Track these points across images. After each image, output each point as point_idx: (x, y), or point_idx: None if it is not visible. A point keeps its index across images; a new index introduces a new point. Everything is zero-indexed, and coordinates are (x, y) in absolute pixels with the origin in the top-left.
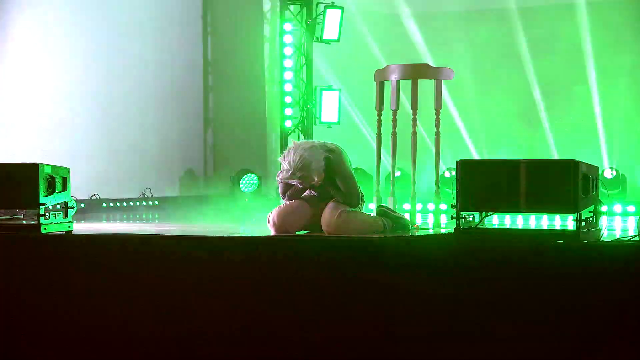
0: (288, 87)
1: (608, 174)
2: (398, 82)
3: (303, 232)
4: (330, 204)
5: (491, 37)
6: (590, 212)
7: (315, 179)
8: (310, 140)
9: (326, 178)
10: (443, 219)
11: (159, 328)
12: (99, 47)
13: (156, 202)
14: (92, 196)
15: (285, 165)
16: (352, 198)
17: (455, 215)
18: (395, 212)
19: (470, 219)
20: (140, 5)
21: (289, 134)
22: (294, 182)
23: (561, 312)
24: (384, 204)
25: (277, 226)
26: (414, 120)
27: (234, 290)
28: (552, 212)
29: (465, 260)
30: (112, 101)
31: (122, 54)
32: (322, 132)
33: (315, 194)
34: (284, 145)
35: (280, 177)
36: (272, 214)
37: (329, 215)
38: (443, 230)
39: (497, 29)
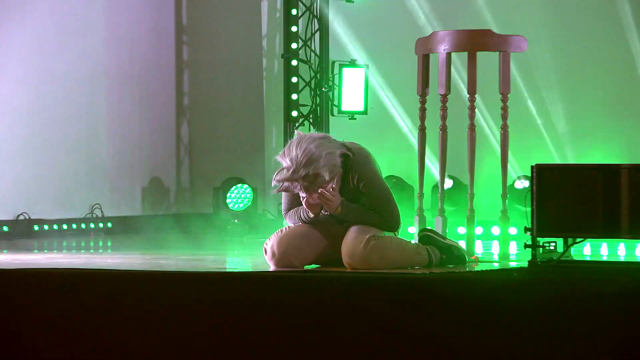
0: (294, 63)
1: None
2: (449, 55)
3: (314, 266)
4: (354, 227)
5: None
6: None
7: (327, 178)
8: (323, 133)
9: (345, 189)
10: (512, 247)
11: None
12: (29, 9)
13: (109, 224)
14: (18, 216)
15: (285, 163)
16: (387, 217)
17: (529, 242)
18: (445, 238)
19: (551, 247)
20: None
21: (296, 128)
22: (297, 187)
23: None
24: (429, 227)
25: (278, 258)
26: (472, 109)
27: (219, 347)
28: None
29: (543, 308)
30: (46, 81)
31: (61, 16)
32: (343, 125)
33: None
34: (287, 142)
35: (277, 177)
36: (271, 241)
37: (352, 242)
38: (513, 264)
39: None
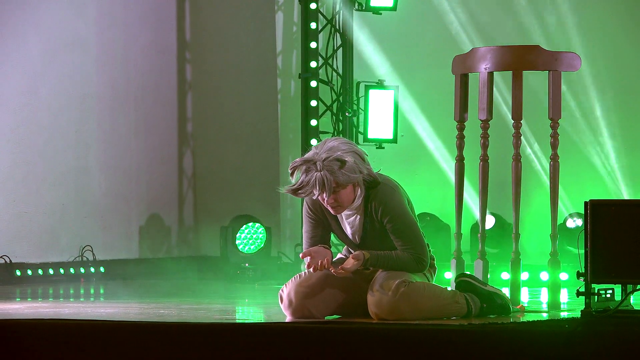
0: (314, 84)
1: None
2: (491, 75)
3: (335, 316)
4: (381, 272)
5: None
6: None
7: (340, 178)
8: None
9: (366, 223)
10: (564, 295)
11: None
12: (10, 21)
13: (102, 269)
14: None
15: (301, 172)
16: (417, 255)
17: (583, 289)
18: (485, 284)
19: (608, 295)
20: None
21: None
22: (312, 183)
23: None
24: (467, 273)
25: (295, 307)
26: (517, 136)
27: None
28: None
29: None
30: (29, 105)
31: (47, 31)
32: (370, 155)
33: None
34: None
35: (293, 164)
36: (287, 288)
37: (379, 289)
38: (564, 314)
39: None
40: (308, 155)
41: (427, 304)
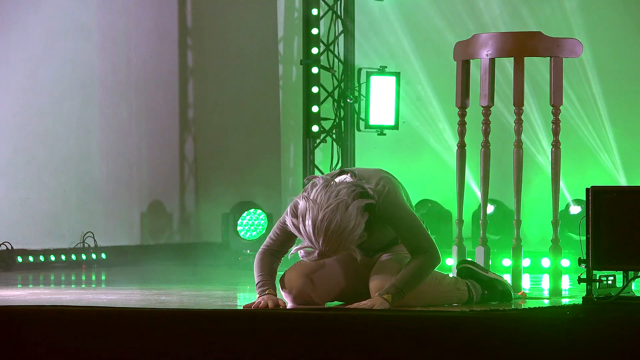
0: (315, 70)
1: None
2: (492, 61)
3: (337, 303)
4: (383, 257)
5: None
6: None
7: (355, 250)
8: (332, 189)
9: (373, 235)
10: (565, 282)
11: None
12: (11, 7)
13: (103, 255)
14: None
15: (303, 240)
16: (429, 252)
17: (584, 276)
18: (487, 271)
19: (609, 282)
20: None
21: (316, 146)
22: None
23: None
24: (469, 259)
25: (296, 294)
26: (519, 123)
27: None
28: None
29: (599, 351)
30: (30, 91)
31: (48, 16)
32: (371, 142)
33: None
34: (307, 162)
35: (302, 255)
36: (288, 275)
37: (380, 276)
38: (565, 301)
39: None
40: (309, 245)
41: (429, 291)
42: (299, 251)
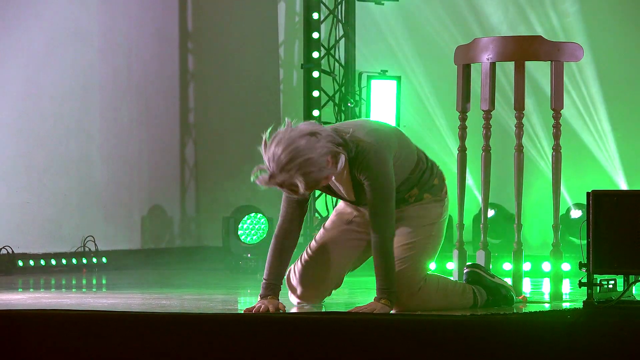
0: (316, 74)
1: None
2: (493, 65)
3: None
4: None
5: None
6: None
7: (302, 190)
8: (315, 126)
9: (360, 188)
10: (566, 286)
11: None
12: (11, 10)
13: (103, 259)
14: (0, 250)
15: (265, 160)
16: (380, 222)
17: (585, 280)
18: (493, 276)
19: (610, 286)
20: None
21: None
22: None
23: None
24: (477, 264)
25: (301, 294)
26: (519, 127)
27: None
28: None
29: (600, 355)
30: (32, 96)
31: (49, 21)
32: None
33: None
34: None
35: (257, 181)
36: (290, 273)
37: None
38: (566, 305)
39: None
40: (267, 161)
41: (436, 299)
42: (252, 175)
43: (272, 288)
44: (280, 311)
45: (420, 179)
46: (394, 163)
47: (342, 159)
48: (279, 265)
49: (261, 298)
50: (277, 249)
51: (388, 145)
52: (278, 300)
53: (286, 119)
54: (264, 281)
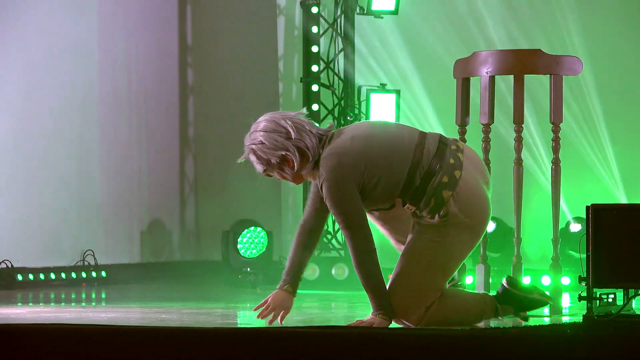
0: (315, 88)
1: None
2: (493, 78)
3: None
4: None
5: (633, 5)
6: None
7: (256, 167)
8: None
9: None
10: (566, 300)
11: None
12: (11, 26)
13: (103, 273)
14: None
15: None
16: (347, 237)
17: (585, 294)
18: (531, 292)
19: (610, 300)
20: None
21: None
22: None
23: None
24: (512, 279)
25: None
26: (519, 140)
27: None
28: None
29: None
30: (31, 111)
31: (49, 36)
32: None
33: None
34: (307, 184)
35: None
36: None
37: (405, 311)
38: (566, 319)
39: None
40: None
41: (454, 318)
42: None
43: (284, 280)
44: (282, 309)
45: (425, 191)
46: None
47: (294, 164)
48: (301, 250)
49: (278, 288)
50: (300, 234)
51: (346, 169)
52: (291, 293)
53: (304, 109)
54: (284, 271)
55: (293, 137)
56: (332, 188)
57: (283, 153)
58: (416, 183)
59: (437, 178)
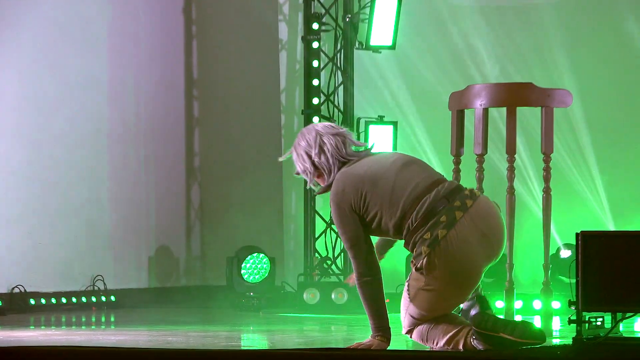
0: (316, 120)
1: None
2: (486, 111)
3: None
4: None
5: (624, 37)
6: None
7: (297, 169)
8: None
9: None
10: (556, 323)
11: None
12: (26, 61)
13: (112, 298)
14: (12, 289)
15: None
16: (347, 247)
17: (574, 317)
18: (501, 331)
19: (599, 323)
20: None
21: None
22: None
23: None
24: (488, 316)
25: None
26: (511, 170)
27: None
28: None
29: None
30: (44, 142)
31: (61, 69)
32: None
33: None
34: (308, 209)
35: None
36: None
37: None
38: (556, 342)
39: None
40: None
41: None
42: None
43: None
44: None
45: (412, 239)
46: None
47: (305, 178)
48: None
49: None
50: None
51: (343, 194)
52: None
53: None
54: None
55: (313, 154)
56: (334, 210)
57: (301, 165)
58: (404, 230)
59: (421, 232)
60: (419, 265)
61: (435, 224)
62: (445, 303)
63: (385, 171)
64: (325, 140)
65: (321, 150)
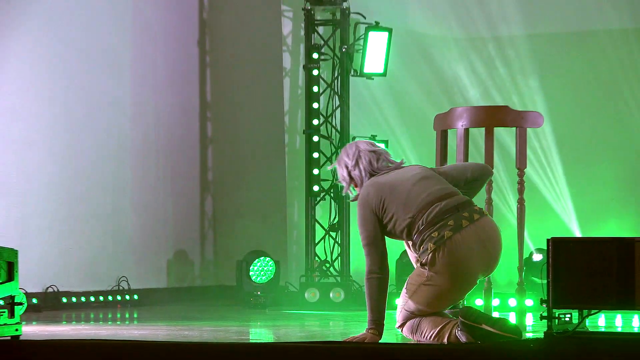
0: (316, 139)
1: None
2: (467, 131)
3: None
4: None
5: (589, 65)
6: None
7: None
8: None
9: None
10: (529, 319)
11: None
12: (58, 85)
13: (135, 297)
14: (47, 288)
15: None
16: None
17: (545, 314)
18: (484, 324)
19: (567, 319)
20: (113, 27)
21: (317, 203)
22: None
23: None
24: (474, 311)
25: None
26: (489, 183)
27: None
28: None
29: None
30: (73, 157)
31: (89, 92)
32: None
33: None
34: (309, 217)
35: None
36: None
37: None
38: (529, 335)
39: (601, 52)
40: None
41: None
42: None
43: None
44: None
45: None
46: (382, 214)
47: (344, 185)
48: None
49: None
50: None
51: (367, 198)
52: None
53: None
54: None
55: (350, 166)
56: (359, 211)
57: (340, 174)
58: (414, 231)
59: (429, 232)
60: (423, 261)
61: (443, 225)
62: (441, 300)
63: (405, 180)
64: (362, 155)
65: (356, 164)
